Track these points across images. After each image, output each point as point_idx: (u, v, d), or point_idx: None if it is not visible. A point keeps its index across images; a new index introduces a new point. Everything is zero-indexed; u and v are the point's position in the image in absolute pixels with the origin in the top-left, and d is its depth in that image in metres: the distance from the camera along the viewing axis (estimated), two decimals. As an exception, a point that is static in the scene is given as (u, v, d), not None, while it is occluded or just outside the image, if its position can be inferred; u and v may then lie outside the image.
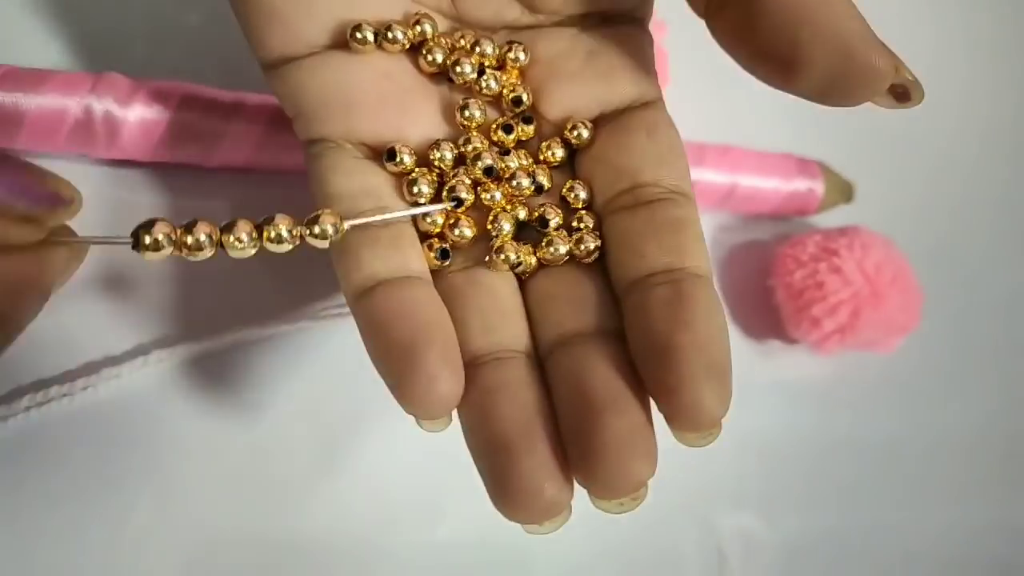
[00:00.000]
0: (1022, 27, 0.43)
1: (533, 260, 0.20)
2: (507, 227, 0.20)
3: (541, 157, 0.21)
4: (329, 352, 0.28)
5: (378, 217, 0.19)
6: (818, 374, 0.33)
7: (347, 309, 0.19)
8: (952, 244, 0.37)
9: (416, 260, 0.19)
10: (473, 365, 0.18)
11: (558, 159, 0.21)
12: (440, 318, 0.18)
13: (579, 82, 0.21)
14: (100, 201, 0.26)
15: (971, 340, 0.36)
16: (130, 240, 0.17)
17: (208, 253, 0.18)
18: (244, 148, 0.26)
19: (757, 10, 0.17)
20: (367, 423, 0.27)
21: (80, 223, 0.26)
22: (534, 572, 0.28)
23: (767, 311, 0.33)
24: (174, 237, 0.17)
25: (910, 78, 0.17)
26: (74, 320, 0.25)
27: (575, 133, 0.21)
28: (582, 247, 0.19)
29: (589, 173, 0.20)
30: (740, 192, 0.32)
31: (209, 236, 0.17)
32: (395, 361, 0.17)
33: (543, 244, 0.20)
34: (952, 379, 0.35)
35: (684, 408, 0.16)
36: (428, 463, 0.28)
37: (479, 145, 0.20)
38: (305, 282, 0.27)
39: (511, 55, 0.21)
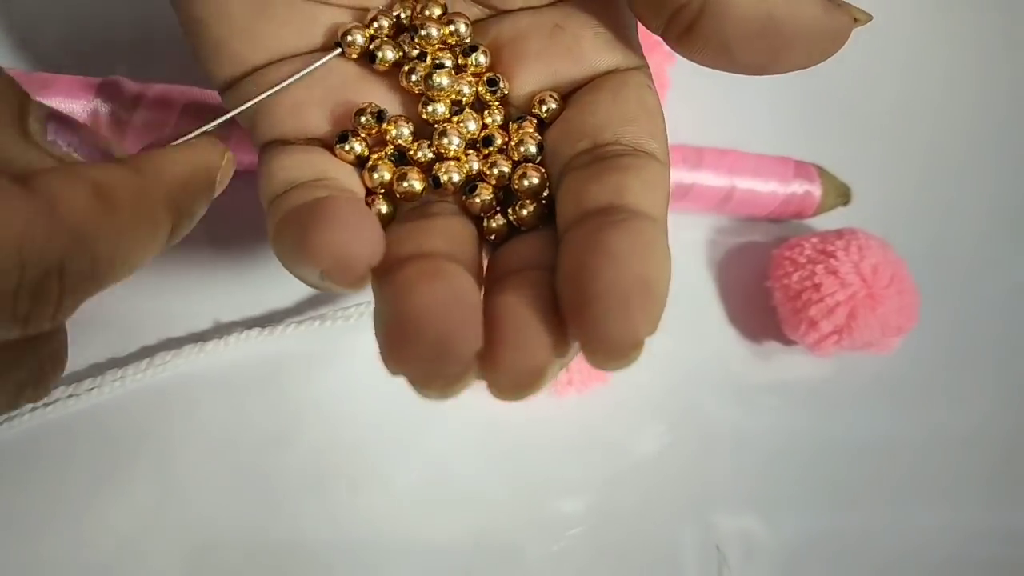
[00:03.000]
0: (1015, 28, 0.43)
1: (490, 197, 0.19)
2: (456, 142, 0.19)
3: (514, 141, 0.20)
4: (341, 357, 0.28)
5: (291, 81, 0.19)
6: (816, 375, 0.33)
7: None
8: (949, 245, 0.37)
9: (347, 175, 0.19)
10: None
11: (534, 139, 0.20)
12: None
13: (543, 59, 0.20)
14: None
15: (968, 341, 0.36)
16: None
17: None
18: (247, 151, 0.26)
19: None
20: (371, 426, 0.28)
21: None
22: (532, 572, 0.28)
23: (765, 313, 0.33)
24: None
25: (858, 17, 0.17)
26: (79, 321, 0.26)
27: (543, 108, 0.19)
28: (525, 182, 0.18)
29: (554, 142, 0.19)
30: (738, 195, 0.32)
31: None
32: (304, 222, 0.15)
33: (487, 166, 0.19)
34: (950, 380, 0.35)
35: (592, 329, 0.14)
36: (427, 465, 0.28)
37: (430, 36, 0.19)
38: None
39: (471, 60, 0.20)
